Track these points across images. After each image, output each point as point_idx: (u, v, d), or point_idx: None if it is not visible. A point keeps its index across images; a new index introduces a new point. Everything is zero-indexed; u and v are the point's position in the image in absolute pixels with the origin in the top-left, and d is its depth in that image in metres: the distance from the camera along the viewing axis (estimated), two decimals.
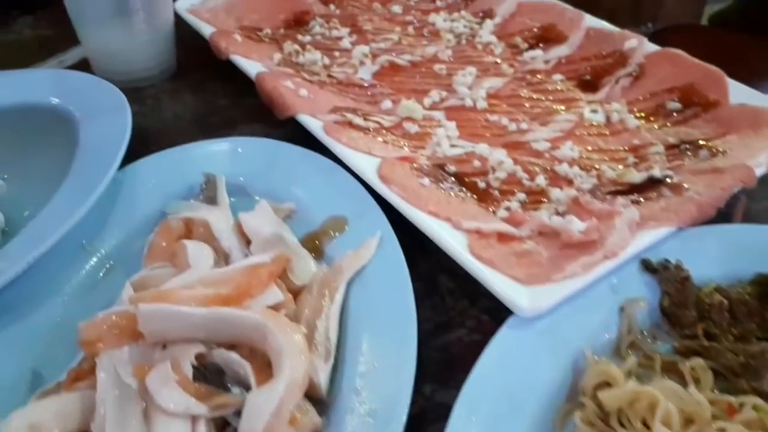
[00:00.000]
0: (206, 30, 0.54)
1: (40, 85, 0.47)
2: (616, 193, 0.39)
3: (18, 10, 0.65)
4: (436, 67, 0.53)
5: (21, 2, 0.66)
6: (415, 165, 0.41)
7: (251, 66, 0.49)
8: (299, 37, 0.57)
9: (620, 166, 0.41)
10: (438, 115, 0.47)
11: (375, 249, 0.34)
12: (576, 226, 0.34)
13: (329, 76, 0.51)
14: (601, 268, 0.32)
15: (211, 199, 0.38)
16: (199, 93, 0.53)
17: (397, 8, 0.62)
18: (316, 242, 0.36)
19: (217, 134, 0.48)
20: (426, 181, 0.39)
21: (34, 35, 0.62)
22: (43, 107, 0.45)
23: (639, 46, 0.51)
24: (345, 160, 0.40)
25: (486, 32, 0.57)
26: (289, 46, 0.54)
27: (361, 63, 0.53)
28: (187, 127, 0.49)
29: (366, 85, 0.50)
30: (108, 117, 0.43)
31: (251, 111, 0.50)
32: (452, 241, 0.34)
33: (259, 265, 0.31)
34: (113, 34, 0.51)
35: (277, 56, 0.52)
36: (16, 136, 0.44)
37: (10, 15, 0.65)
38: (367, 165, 0.39)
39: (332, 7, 0.62)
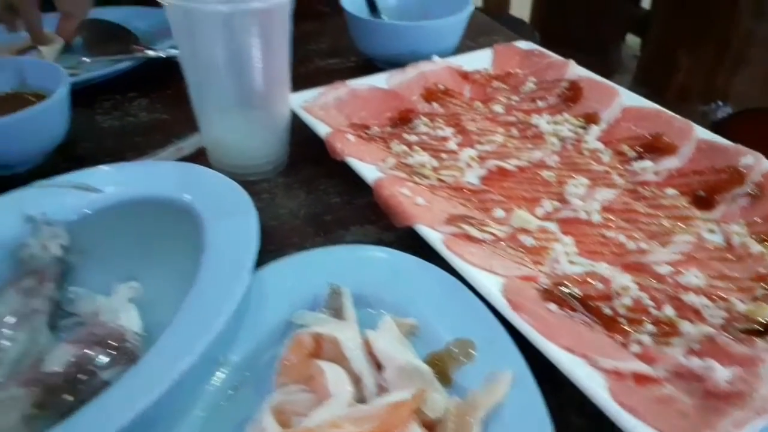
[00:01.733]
0: (320, 128, 0.55)
1: (166, 177, 0.49)
2: (751, 332, 0.37)
3: (134, 92, 0.69)
4: (545, 173, 0.52)
5: (136, 85, 0.69)
6: (538, 286, 0.40)
7: (366, 170, 0.50)
8: (405, 135, 0.58)
9: (750, 299, 0.40)
10: (552, 227, 0.46)
11: (510, 385, 0.33)
12: (720, 374, 0.32)
13: (439, 179, 0.52)
14: (754, 425, 0.30)
15: (337, 312, 0.38)
16: (312, 190, 0.54)
17: (499, 108, 0.62)
18: (442, 366, 0.36)
19: (331, 236, 0.49)
20: (553, 306, 0.38)
21: (151, 119, 0.64)
22: (169, 202, 0.47)
23: (756, 163, 0.50)
24: (468, 279, 0.39)
25: (592, 138, 0.57)
26: (398, 146, 0.55)
27: (468, 165, 0.54)
28: (301, 225, 0.50)
29: (475, 190, 0.51)
30: (234, 218, 0.44)
31: (363, 211, 0.51)
32: (592, 383, 0.32)
33: (401, 403, 0.30)
34: (233, 125, 0.53)
35: (391, 160, 0.53)
36: (144, 232, 0.46)
37: (126, 97, 0.68)
38: (490, 285, 0.39)
39: (435, 105, 0.63)
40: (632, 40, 2.95)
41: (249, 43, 0.48)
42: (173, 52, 0.70)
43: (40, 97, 0.58)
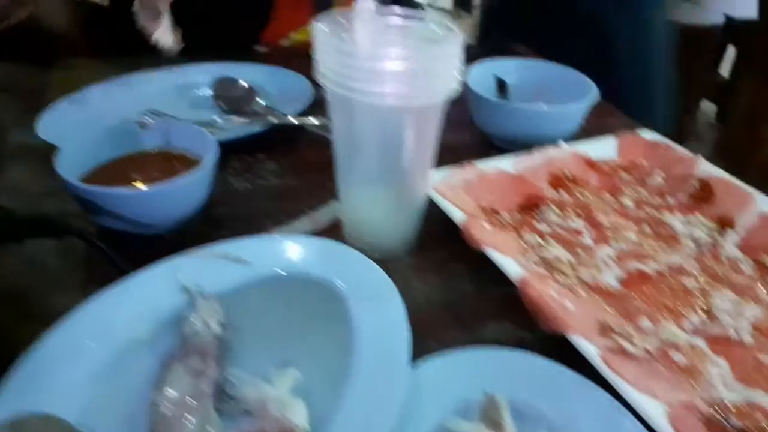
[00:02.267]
0: (454, 212, 0.55)
1: (310, 253, 0.49)
2: None
3: (262, 154, 0.71)
4: (686, 281, 0.51)
5: (263, 146, 0.71)
6: (700, 416, 0.39)
7: (507, 263, 0.50)
8: (536, 224, 0.57)
9: None
10: (701, 344, 0.45)
11: None
12: None
13: (578, 278, 0.51)
14: None
15: (496, 425, 0.37)
16: (444, 274, 0.54)
17: (628, 202, 0.62)
18: None
19: (468, 329, 0.48)
20: None
21: (281, 184, 0.66)
22: (315, 280, 0.47)
23: None
24: (631, 402, 0.38)
25: (730, 245, 0.55)
26: (531, 237, 0.55)
27: (605, 264, 0.53)
28: (437, 314, 0.50)
29: (617, 294, 0.50)
30: (381, 303, 0.44)
31: (498, 304, 0.50)
32: None
33: None
34: (376, 202, 0.53)
35: (532, 255, 0.52)
36: (291, 310, 0.46)
37: (255, 158, 0.70)
38: (654, 411, 0.38)
39: (562, 191, 0.63)
40: (707, 107, 2.89)
41: (404, 134, 0.49)
42: (310, 122, 0.72)
43: (183, 158, 0.61)
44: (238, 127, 0.72)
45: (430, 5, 4.77)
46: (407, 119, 0.48)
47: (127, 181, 0.58)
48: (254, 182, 0.66)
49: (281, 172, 0.68)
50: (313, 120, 0.71)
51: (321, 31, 0.47)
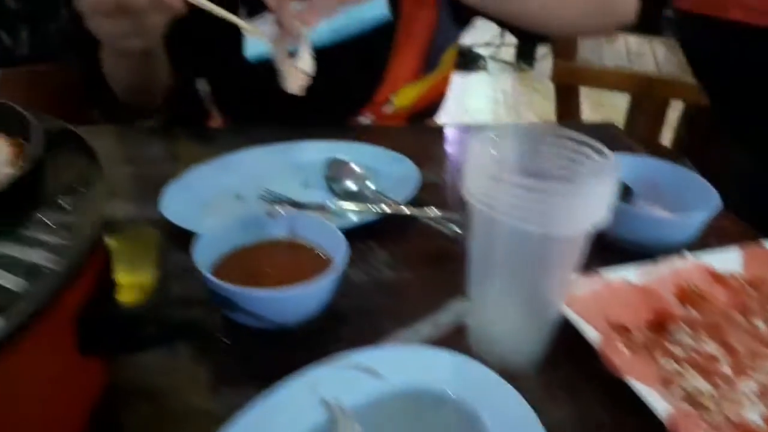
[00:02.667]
0: (587, 330, 0.54)
1: (441, 368, 0.48)
2: None
3: (372, 241, 0.71)
4: None
5: (372, 233, 0.71)
6: None
7: (653, 399, 0.48)
8: (668, 345, 0.55)
9: None
10: None
11: None
12: None
13: (724, 415, 0.48)
14: None
15: None
16: (576, 397, 0.52)
17: (761, 324, 0.59)
18: None
19: None
20: None
21: (397, 278, 0.65)
22: (450, 400, 0.47)
23: None
24: None
25: None
26: (667, 363, 0.53)
27: (748, 399, 0.50)
28: None
29: None
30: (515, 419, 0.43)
31: None
32: None
33: None
34: (508, 315, 0.52)
35: (675, 389, 0.50)
36: (426, 430, 0.45)
37: (366, 246, 0.70)
38: None
39: (689, 308, 0.60)
40: None
41: (548, 259, 0.48)
42: (427, 214, 0.71)
43: (309, 250, 0.61)
44: (350, 213, 0.72)
45: (492, 57, 4.81)
46: (553, 245, 0.47)
47: (258, 273, 0.59)
48: (369, 273, 0.66)
49: (393, 263, 0.68)
50: (430, 212, 0.71)
51: (474, 148, 0.47)
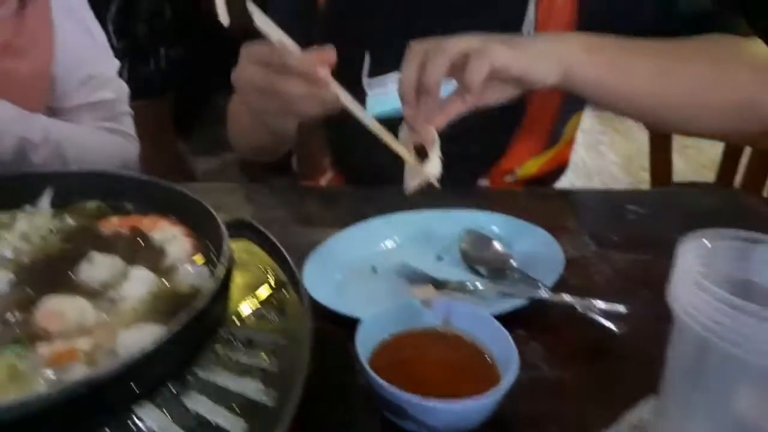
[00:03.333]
0: None
1: None
2: None
3: (520, 329, 0.66)
4: None
5: (517, 318, 0.66)
6: None
7: None
8: None
9: None
10: None
11: None
12: None
13: None
14: None
15: None
16: None
17: None
18: None
19: None
20: None
21: (555, 378, 0.60)
22: None
23: None
24: None
25: None
26: None
27: None
28: None
29: None
30: None
31: None
32: None
33: None
34: None
35: None
36: None
37: (517, 335, 0.64)
38: None
39: None
40: None
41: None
42: (593, 306, 0.65)
43: (464, 341, 0.57)
44: (494, 296, 0.68)
45: None
46: None
47: (414, 367, 0.55)
48: (525, 369, 0.61)
49: (549, 358, 0.63)
50: (588, 303, 0.65)
51: (684, 259, 0.43)
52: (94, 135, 1.03)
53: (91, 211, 0.53)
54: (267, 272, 0.46)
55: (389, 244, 0.78)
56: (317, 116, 0.72)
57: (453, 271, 0.74)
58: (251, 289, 0.44)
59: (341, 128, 0.94)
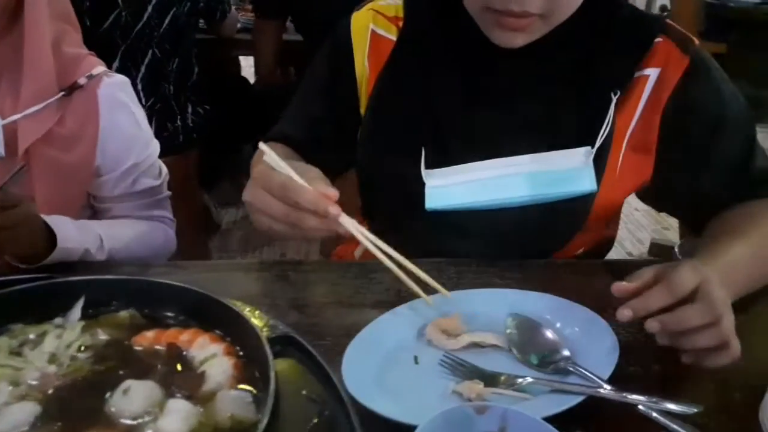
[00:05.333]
0: None
1: None
2: None
3: (579, 429, 0.60)
4: None
5: (574, 415, 0.61)
6: None
7: None
8: None
9: None
10: None
11: None
12: None
13: None
14: None
15: None
16: None
17: None
18: None
19: None
20: None
21: None
22: None
23: None
24: None
25: None
26: None
27: None
28: None
29: None
30: None
31: None
32: None
33: None
34: None
35: None
36: None
37: None
38: None
39: None
40: None
41: None
42: (662, 407, 0.59)
43: None
44: (546, 390, 0.63)
45: None
46: None
47: None
48: None
49: None
50: (654, 404, 0.59)
51: None
52: (139, 229, 1.04)
53: (124, 321, 0.49)
54: (314, 398, 0.41)
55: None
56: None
57: (500, 361, 0.68)
58: (297, 419, 0.40)
59: (401, 219, 0.91)
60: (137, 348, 0.46)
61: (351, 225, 0.68)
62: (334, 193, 0.66)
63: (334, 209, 0.65)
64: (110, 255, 0.95)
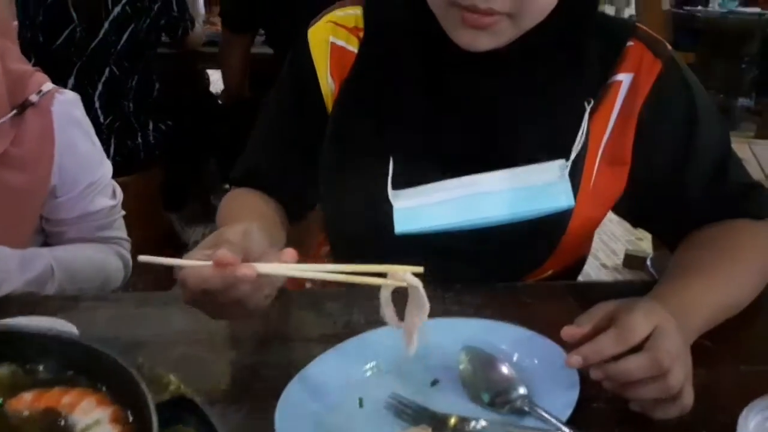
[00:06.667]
0: None
1: None
2: None
3: None
4: None
5: None
6: None
7: None
8: None
9: None
10: None
11: None
12: None
13: None
14: None
15: None
16: None
17: None
18: None
19: None
20: None
21: None
22: None
23: None
24: None
25: None
26: None
27: None
28: None
29: None
30: None
31: None
32: None
33: None
34: None
35: None
36: None
37: None
38: None
39: None
40: None
41: None
42: None
43: None
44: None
45: None
46: None
47: None
48: None
49: None
50: None
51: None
52: (94, 255, 0.99)
53: (5, 379, 0.42)
54: None
55: (378, 365, 0.67)
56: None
57: (451, 400, 0.62)
58: None
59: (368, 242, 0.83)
60: (13, 415, 0.39)
61: (272, 268, 0.58)
62: (222, 257, 0.54)
63: (243, 268, 0.54)
64: (62, 286, 0.90)
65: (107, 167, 1.03)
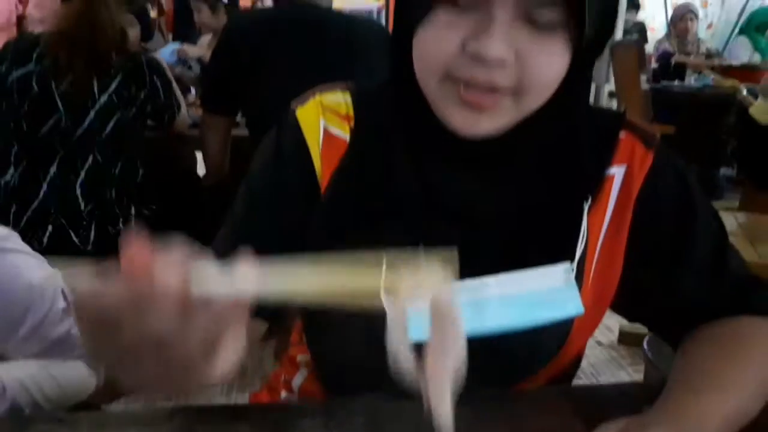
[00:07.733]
0: None
1: None
2: None
3: None
4: None
5: None
6: None
7: None
8: None
9: None
10: None
11: None
12: None
13: None
14: None
15: None
16: None
17: None
18: None
19: None
20: None
21: None
22: None
23: None
24: None
25: None
26: None
27: None
28: None
29: None
30: None
31: None
32: None
33: None
34: None
35: None
36: None
37: None
38: None
39: None
40: None
41: None
42: None
43: None
44: None
45: None
46: None
47: None
48: None
49: None
50: None
51: None
52: (54, 370, 0.93)
53: None
54: None
55: None
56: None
57: None
58: None
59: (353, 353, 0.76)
60: None
61: (200, 271, 0.40)
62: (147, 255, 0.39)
63: (173, 276, 0.39)
64: (15, 403, 0.84)
65: (53, 293, 0.94)
